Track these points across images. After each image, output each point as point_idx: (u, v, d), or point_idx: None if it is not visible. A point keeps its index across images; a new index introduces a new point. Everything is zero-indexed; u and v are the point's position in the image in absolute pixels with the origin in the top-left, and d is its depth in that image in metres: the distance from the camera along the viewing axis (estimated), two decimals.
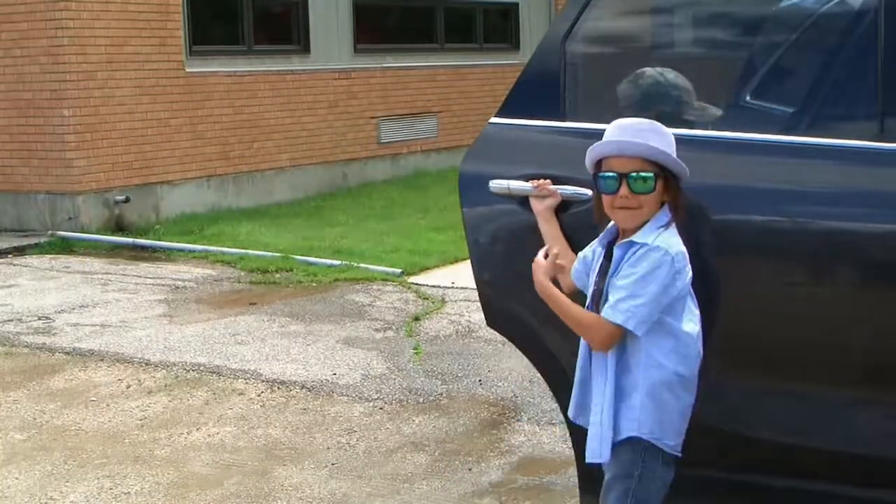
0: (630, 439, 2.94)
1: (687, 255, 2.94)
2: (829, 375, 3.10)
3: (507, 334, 3.74)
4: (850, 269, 3.07)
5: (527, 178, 3.32)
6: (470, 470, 4.71)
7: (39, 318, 7.49)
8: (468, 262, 3.69)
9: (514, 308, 3.51)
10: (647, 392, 2.92)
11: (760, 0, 3.56)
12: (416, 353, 6.46)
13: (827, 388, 3.11)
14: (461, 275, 7.99)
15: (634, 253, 2.91)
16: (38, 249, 10.08)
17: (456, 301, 7.62)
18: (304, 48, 12.93)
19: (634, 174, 2.92)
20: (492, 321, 3.64)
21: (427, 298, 7.74)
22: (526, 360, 3.81)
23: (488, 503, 4.39)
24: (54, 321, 7.41)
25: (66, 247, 10.12)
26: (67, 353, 6.62)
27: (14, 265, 9.47)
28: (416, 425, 5.28)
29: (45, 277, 8.91)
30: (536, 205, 3.29)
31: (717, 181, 3.18)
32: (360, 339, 6.79)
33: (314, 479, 4.66)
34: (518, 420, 5.29)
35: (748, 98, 3.51)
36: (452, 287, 8.00)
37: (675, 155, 2.96)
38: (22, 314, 7.62)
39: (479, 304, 3.73)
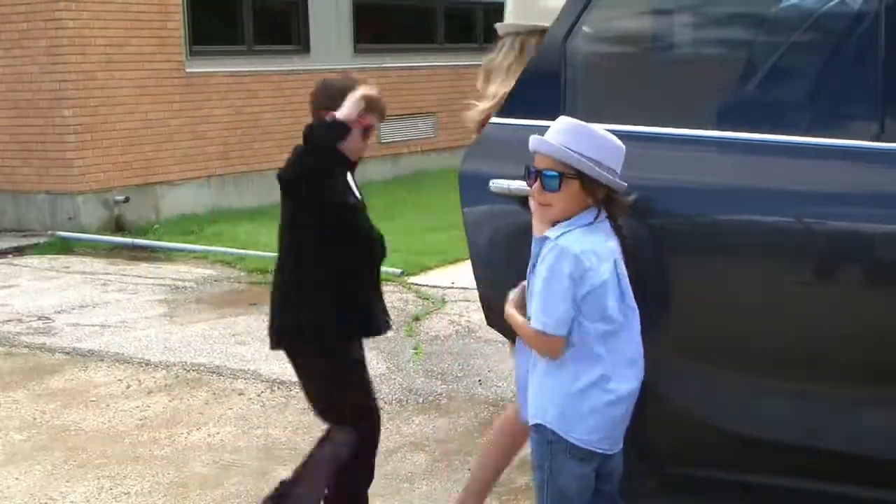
0: (537, 426, 3.05)
1: (601, 255, 2.94)
2: (828, 375, 3.10)
3: (507, 334, 3.74)
4: (852, 270, 3.07)
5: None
6: (470, 470, 4.70)
7: (39, 318, 7.49)
8: (468, 262, 3.69)
9: None
10: (550, 381, 3.02)
11: (761, 0, 3.55)
12: (415, 353, 6.46)
13: (826, 388, 3.12)
14: (461, 275, 7.99)
15: (545, 248, 2.98)
16: (38, 249, 10.08)
17: (456, 301, 7.62)
18: (304, 48, 12.93)
19: (545, 172, 2.98)
20: (492, 321, 3.64)
21: (427, 298, 7.74)
22: None
23: (488, 503, 4.39)
24: (54, 321, 7.41)
25: (66, 247, 10.12)
26: (67, 353, 6.62)
27: (14, 265, 9.47)
28: (415, 425, 5.28)
29: (45, 277, 8.91)
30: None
31: (716, 181, 3.18)
32: None
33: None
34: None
35: (748, 98, 3.51)
36: (452, 287, 7.99)
37: (606, 161, 2.95)
38: (22, 314, 7.62)
39: (479, 304, 3.73)
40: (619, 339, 2.99)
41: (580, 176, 2.95)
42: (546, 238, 2.99)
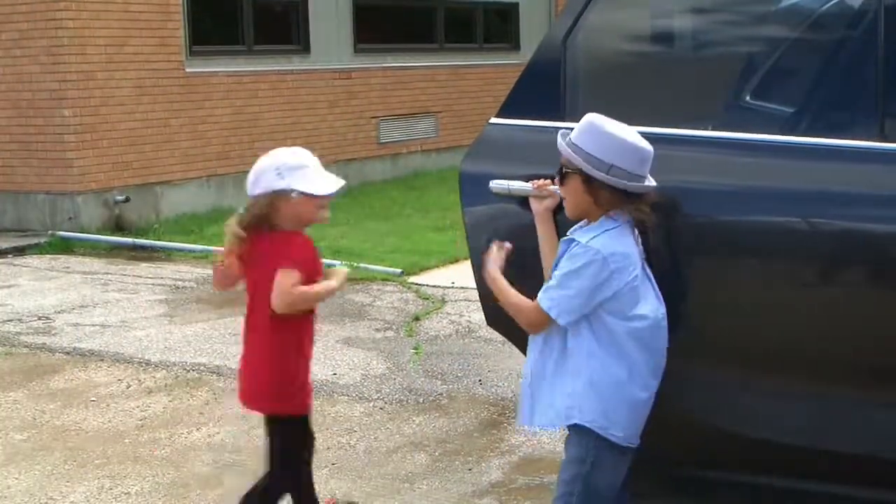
0: (577, 427, 3.06)
1: (631, 256, 3.00)
2: (829, 376, 3.10)
3: (506, 334, 3.74)
4: (853, 270, 3.07)
5: (527, 179, 3.32)
6: (470, 470, 4.71)
7: (39, 318, 7.49)
8: (468, 262, 3.70)
9: None
10: (585, 381, 3.03)
11: (761, 0, 3.56)
12: (416, 353, 6.46)
13: (828, 389, 3.12)
14: (461, 275, 7.99)
15: (572, 249, 3.03)
16: (38, 249, 10.08)
17: (456, 301, 7.62)
18: (304, 48, 12.93)
19: (561, 167, 3.06)
20: (492, 321, 3.64)
21: (427, 298, 7.74)
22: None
23: (488, 503, 4.39)
24: (54, 321, 7.41)
25: (66, 247, 10.12)
26: (67, 353, 6.62)
27: (14, 265, 9.47)
28: (416, 425, 5.28)
29: (45, 277, 8.91)
30: (536, 205, 3.29)
31: (718, 181, 3.18)
32: (360, 339, 6.79)
33: (314, 479, 4.64)
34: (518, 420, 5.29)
35: (747, 98, 3.51)
36: (452, 287, 7.99)
37: (619, 161, 2.97)
38: (22, 314, 7.62)
39: (479, 303, 3.73)
40: (650, 338, 3.03)
41: (580, 173, 2.99)
42: (573, 240, 3.03)
